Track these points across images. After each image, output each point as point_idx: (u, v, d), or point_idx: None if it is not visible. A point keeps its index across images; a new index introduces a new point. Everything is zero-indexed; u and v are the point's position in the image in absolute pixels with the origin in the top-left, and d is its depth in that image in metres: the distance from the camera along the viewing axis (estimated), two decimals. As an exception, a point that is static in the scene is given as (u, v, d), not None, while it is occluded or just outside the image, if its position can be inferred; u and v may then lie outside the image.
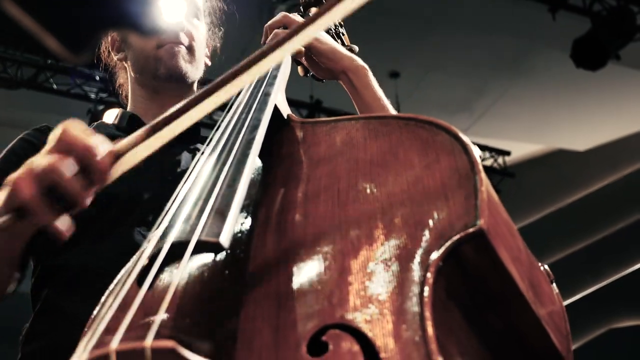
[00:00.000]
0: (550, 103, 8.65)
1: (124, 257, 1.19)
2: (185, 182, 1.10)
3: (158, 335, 0.72)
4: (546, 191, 10.10)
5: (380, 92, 1.61)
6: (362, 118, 1.20)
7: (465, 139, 1.04)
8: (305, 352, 0.85)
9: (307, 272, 0.96)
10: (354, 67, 1.61)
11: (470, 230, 0.90)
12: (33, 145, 1.59)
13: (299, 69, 1.78)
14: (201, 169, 1.10)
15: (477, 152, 1.02)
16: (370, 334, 0.85)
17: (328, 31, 1.76)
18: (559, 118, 8.97)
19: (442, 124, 1.09)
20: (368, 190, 1.03)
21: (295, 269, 0.97)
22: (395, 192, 1.01)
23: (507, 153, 9.00)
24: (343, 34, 1.84)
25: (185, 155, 1.71)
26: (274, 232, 1.05)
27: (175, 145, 1.67)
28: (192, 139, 1.76)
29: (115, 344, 0.71)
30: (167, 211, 1.01)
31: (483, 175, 0.96)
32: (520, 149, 9.43)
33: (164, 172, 1.63)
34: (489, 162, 8.93)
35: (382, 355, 0.82)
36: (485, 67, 8.15)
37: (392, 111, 1.61)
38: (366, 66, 1.63)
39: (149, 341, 0.70)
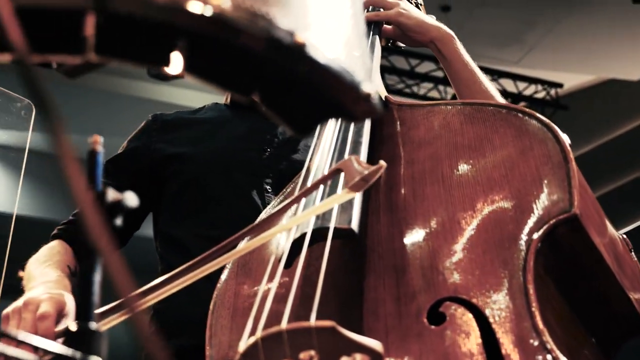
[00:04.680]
0: (604, 33, 8.54)
1: (238, 225, 1.36)
2: (306, 168, 1.25)
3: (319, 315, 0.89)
4: (599, 122, 10.03)
5: (467, 57, 1.71)
6: (456, 104, 1.33)
7: (555, 127, 1.17)
8: (426, 321, 1.01)
9: (420, 249, 1.11)
10: (440, 37, 1.71)
11: (566, 215, 1.04)
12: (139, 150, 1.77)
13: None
14: (320, 154, 1.26)
15: (566, 140, 1.15)
16: (481, 306, 1.01)
17: (409, 1, 1.86)
18: (612, 48, 8.86)
19: (532, 112, 1.22)
20: (470, 175, 1.17)
21: (409, 245, 1.13)
22: (494, 177, 1.15)
23: (560, 85, 8.95)
24: (420, 4, 1.94)
25: (260, 121, 1.81)
26: (386, 211, 1.20)
27: (250, 113, 1.81)
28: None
29: (284, 324, 0.87)
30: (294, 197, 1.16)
31: (574, 163, 1.10)
32: (573, 80, 9.37)
33: (251, 139, 1.77)
34: (541, 95, 8.91)
35: (494, 325, 0.98)
36: (538, -2, 8.06)
37: (480, 75, 1.71)
38: (452, 33, 1.73)
39: (312, 321, 0.87)
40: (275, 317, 0.95)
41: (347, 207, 1.09)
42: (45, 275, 1.44)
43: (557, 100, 8.95)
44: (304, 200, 1.13)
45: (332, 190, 1.12)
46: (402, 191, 1.22)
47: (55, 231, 1.67)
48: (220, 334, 1.21)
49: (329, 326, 0.86)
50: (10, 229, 1.78)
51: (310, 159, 1.30)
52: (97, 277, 0.65)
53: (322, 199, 1.11)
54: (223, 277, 1.30)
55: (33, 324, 1.22)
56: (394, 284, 1.09)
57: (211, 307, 1.26)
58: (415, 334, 1.01)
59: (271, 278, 1.09)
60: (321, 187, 1.14)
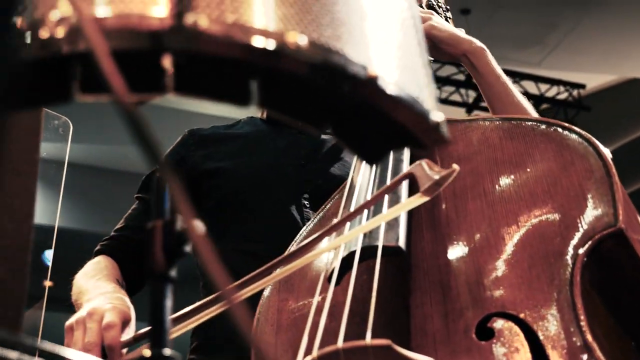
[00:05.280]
0: (625, 33, 8.51)
1: (276, 239, 1.38)
2: (349, 185, 1.27)
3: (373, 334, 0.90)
4: (622, 122, 9.97)
5: (499, 70, 1.72)
6: (494, 119, 1.34)
7: (595, 141, 1.18)
8: (475, 337, 1.03)
9: (466, 265, 1.13)
10: (473, 50, 1.72)
11: (611, 230, 1.05)
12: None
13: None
14: (363, 172, 1.27)
15: (608, 154, 1.16)
16: (530, 321, 1.02)
17: (439, 14, 1.88)
18: (634, 47, 8.82)
19: (572, 127, 1.23)
20: (512, 190, 1.18)
21: (454, 261, 1.14)
22: (537, 192, 1.16)
23: (582, 86, 8.91)
24: (450, 18, 1.95)
25: (297, 136, 1.84)
26: (430, 227, 1.22)
27: (287, 128, 1.83)
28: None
29: (340, 342, 0.89)
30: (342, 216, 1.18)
31: (617, 177, 1.11)
32: (595, 81, 9.33)
33: (289, 153, 1.79)
34: (563, 96, 8.87)
35: (543, 340, 0.99)
36: (557, 0, 8.04)
37: (512, 87, 1.71)
38: (484, 47, 1.73)
39: (368, 339, 0.89)
40: (328, 335, 0.97)
41: (393, 224, 1.11)
42: (99, 287, 1.45)
43: (580, 101, 8.90)
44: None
45: (378, 209, 1.14)
46: (444, 207, 1.23)
47: (98, 247, 1.69)
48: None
49: (385, 344, 0.88)
50: (53, 241, 1.81)
51: (352, 176, 1.32)
52: (169, 303, 0.67)
53: (368, 217, 1.13)
54: (265, 293, 1.31)
55: (99, 333, 1.23)
56: (441, 301, 1.10)
57: (254, 323, 1.28)
58: (464, 350, 1.02)
59: (319, 295, 1.11)
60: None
